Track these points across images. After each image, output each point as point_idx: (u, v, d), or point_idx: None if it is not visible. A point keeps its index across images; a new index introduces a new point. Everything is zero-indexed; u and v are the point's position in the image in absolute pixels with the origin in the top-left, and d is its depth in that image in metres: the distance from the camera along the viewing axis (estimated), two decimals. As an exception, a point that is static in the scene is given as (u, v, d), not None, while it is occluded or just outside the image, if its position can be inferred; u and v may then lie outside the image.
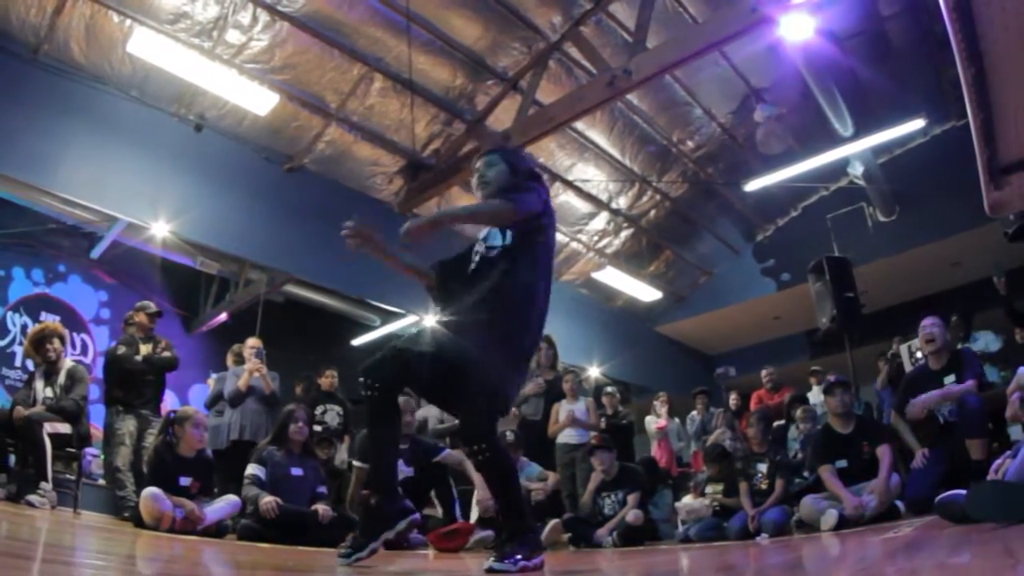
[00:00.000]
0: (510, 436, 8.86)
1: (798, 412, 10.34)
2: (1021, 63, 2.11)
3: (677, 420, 13.36)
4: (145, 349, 9.41)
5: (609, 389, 12.04)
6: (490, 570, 3.64)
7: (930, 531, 4.89)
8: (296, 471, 7.58)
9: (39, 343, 8.33)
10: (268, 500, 6.99)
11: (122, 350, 9.42)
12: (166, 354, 9.54)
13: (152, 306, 9.92)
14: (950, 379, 7.18)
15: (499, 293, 4.07)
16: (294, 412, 7.94)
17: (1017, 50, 2.10)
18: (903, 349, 10.90)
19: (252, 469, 7.43)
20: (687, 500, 9.74)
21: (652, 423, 13.09)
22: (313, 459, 8.07)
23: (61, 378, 8.20)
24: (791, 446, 10.18)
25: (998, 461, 4.69)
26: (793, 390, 12.45)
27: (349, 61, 11.15)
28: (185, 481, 7.36)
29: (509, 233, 4.20)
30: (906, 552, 3.86)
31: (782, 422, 10.92)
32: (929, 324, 7.48)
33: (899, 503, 7.34)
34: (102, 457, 10.21)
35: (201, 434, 7.64)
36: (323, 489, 7.81)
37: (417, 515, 4.17)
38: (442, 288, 4.37)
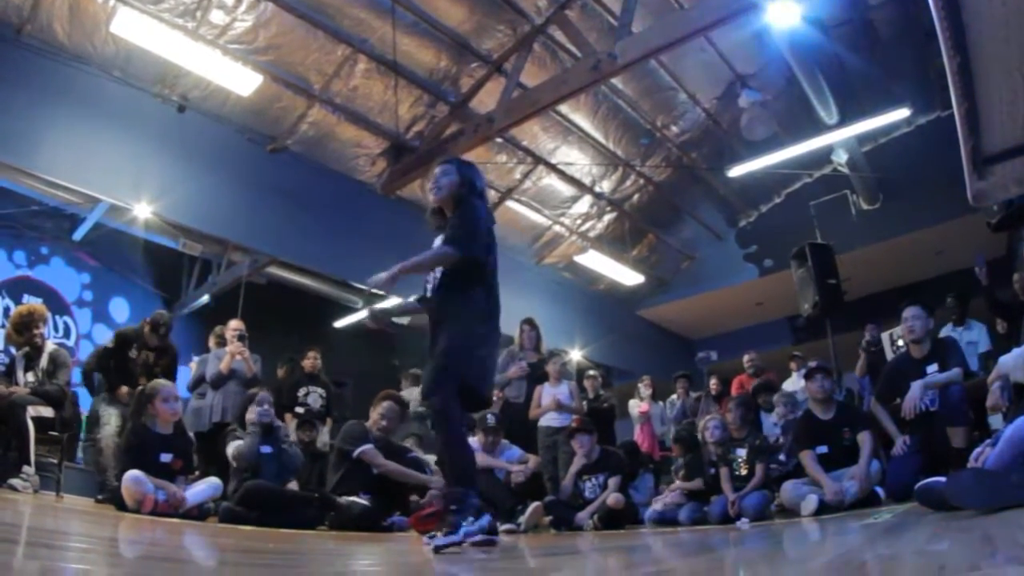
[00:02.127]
0: (491, 419, 8.88)
1: (775, 396, 10.35)
2: (1006, 54, 2.12)
3: (661, 404, 13.36)
4: (145, 355, 9.45)
5: (591, 372, 12.06)
6: (436, 548, 3.90)
7: (910, 518, 4.91)
8: (265, 448, 7.61)
9: (24, 327, 8.25)
10: None
11: (111, 344, 9.61)
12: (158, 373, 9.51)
13: (162, 316, 9.98)
14: (932, 368, 7.20)
15: (450, 304, 4.78)
16: (255, 396, 7.94)
17: (1002, 41, 2.11)
18: (884, 337, 10.95)
19: (235, 445, 7.48)
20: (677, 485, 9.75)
21: (635, 407, 13.09)
22: (275, 433, 8.05)
23: (43, 362, 8.14)
24: (770, 431, 10.19)
25: (978, 449, 4.70)
26: (775, 375, 12.47)
27: (333, 42, 11.11)
28: (166, 458, 7.32)
29: None
30: (886, 538, 3.88)
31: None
32: (910, 316, 7.48)
33: (879, 489, 7.37)
34: (82, 437, 10.20)
35: (173, 407, 7.56)
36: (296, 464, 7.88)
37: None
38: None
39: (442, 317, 4.75)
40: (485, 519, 4.22)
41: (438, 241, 4.88)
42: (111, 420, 9.10)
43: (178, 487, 7.12)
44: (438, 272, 4.85)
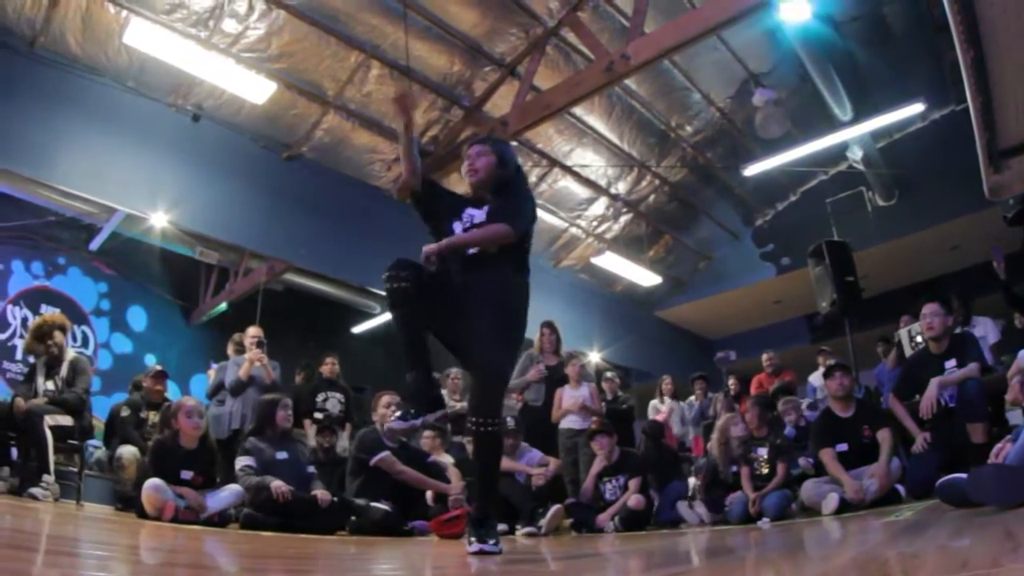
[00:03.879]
0: (511, 422, 8.87)
1: (779, 403, 10.33)
2: (1020, 47, 2.10)
3: (682, 403, 13.31)
4: (153, 416, 9.52)
5: (609, 374, 12.05)
6: (480, 552, 3.93)
7: (931, 515, 4.90)
8: (281, 455, 7.67)
9: (41, 337, 8.30)
10: (280, 485, 7.02)
11: (125, 412, 9.74)
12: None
13: (155, 367, 10.27)
14: (951, 363, 7.20)
15: (501, 285, 4.45)
16: (280, 399, 7.98)
17: (1016, 33, 2.10)
18: (903, 333, 10.88)
19: (244, 461, 7.45)
20: None
21: (653, 411, 13.07)
22: (293, 442, 8.14)
23: (63, 370, 8.17)
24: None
25: (999, 445, 4.68)
26: (794, 374, 12.47)
27: (346, 48, 11.13)
28: (187, 475, 7.38)
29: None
30: (907, 536, 3.86)
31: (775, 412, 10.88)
32: (928, 313, 7.49)
33: (900, 487, 7.35)
34: (103, 449, 10.25)
35: (195, 422, 7.61)
36: (312, 469, 7.90)
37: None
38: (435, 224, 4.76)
39: (486, 297, 4.37)
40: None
41: (481, 214, 4.60)
42: (129, 432, 9.22)
43: (199, 492, 7.18)
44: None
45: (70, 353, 8.46)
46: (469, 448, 9.28)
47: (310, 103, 11.67)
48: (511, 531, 7.92)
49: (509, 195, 4.62)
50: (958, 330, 8.36)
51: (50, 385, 8.08)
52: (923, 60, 13.24)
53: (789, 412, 9.96)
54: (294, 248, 12.33)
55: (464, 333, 4.37)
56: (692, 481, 10.09)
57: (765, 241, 17.71)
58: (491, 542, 4.01)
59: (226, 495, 7.40)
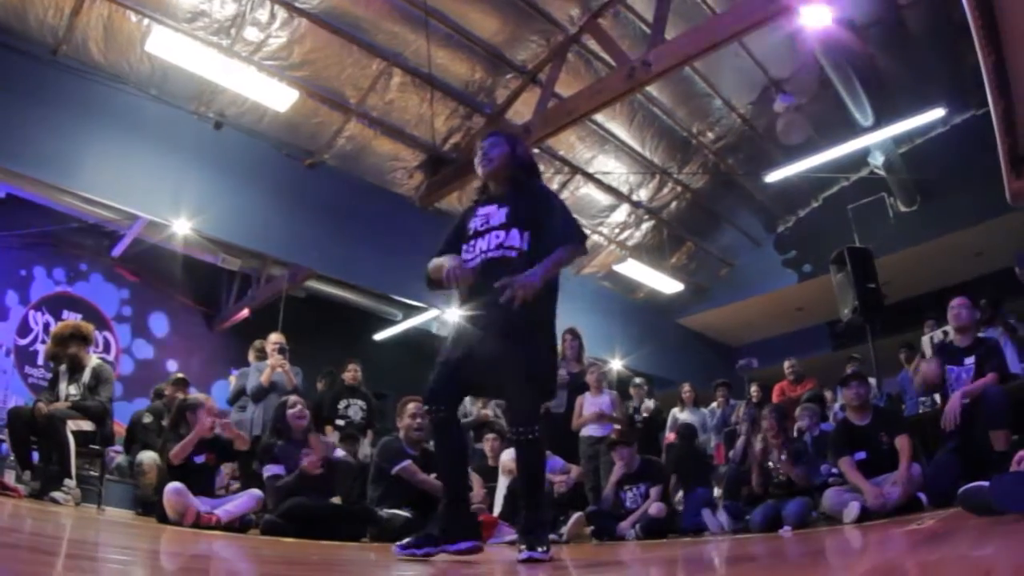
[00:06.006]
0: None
1: (797, 410, 10.28)
2: (1041, 49, 2.10)
3: (704, 411, 13.24)
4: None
5: (637, 381, 12.06)
6: (529, 559, 3.90)
7: (953, 523, 4.87)
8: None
9: (62, 343, 8.30)
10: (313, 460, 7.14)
11: (147, 419, 10.00)
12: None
13: (176, 375, 10.61)
14: (970, 360, 7.26)
15: (538, 302, 4.25)
16: (286, 401, 7.97)
17: (1037, 37, 2.09)
18: (924, 340, 10.86)
19: (273, 470, 7.44)
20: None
21: (673, 421, 13.01)
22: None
23: (86, 376, 8.17)
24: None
25: (1021, 452, 4.65)
26: (816, 381, 12.42)
27: (368, 56, 11.18)
28: (200, 459, 7.52)
29: (527, 236, 4.47)
30: (929, 544, 3.84)
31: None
32: (956, 304, 7.59)
33: (922, 495, 7.31)
34: (124, 455, 10.29)
35: (213, 420, 7.69)
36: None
37: (479, 545, 4.29)
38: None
39: (521, 315, 4.15)
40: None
41: (500, 215, 4.57)
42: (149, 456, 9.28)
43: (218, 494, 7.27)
44: (512, 241, 4.47)
45: (93, 359, 8.46)
46: (490, 457, 9.33)
47: (332, 111, 11.73)
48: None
49: (548, 206, 4.59)
50: (984, 333, 8.36)
51: (73, 389, 8.09)
52: (944, 64, 13.20)
53: (804, 418, 9.92)
54: (316, 255, 12.36)
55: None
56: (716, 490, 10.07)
57: (787, 248, 17.68)
58: (543, 550, 3.99)
59: (245, 500, 7.41)
